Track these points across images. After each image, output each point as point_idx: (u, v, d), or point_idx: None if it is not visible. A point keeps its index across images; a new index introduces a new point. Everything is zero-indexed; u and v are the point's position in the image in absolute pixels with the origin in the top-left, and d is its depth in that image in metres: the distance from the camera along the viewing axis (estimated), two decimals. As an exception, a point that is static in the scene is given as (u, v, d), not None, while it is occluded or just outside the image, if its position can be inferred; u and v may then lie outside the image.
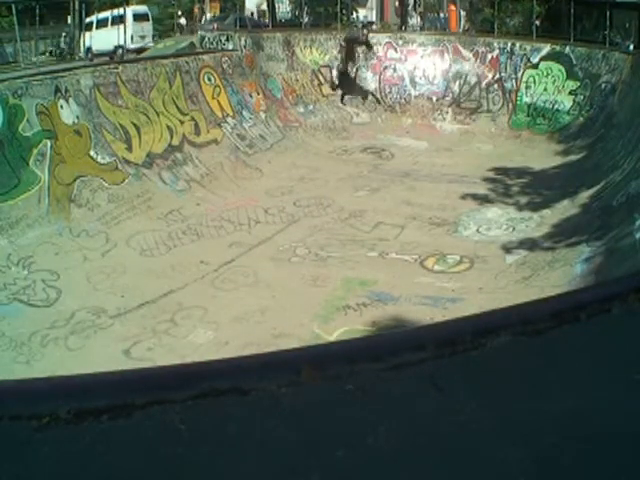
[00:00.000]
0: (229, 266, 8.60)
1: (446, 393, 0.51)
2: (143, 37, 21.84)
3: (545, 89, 15.75)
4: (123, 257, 8.83)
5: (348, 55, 17.00)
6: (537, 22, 19.23)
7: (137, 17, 22.14)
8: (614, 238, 7.94)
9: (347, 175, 12.83)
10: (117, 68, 11.87)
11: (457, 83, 16.87)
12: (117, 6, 24.64)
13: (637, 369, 0.54)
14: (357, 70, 16.28)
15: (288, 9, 29.83)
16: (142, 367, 0.62)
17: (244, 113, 14.59)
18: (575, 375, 0.54)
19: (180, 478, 0.47)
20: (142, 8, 22.91)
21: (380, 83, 17.46)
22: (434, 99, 16.84)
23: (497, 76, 16.48)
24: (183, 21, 25.79)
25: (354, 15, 27.13)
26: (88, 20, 22.81)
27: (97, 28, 22.40)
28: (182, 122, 12.54)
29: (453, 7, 23.06)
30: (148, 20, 22.24)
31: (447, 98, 16.79)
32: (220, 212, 10.55)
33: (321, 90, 17.33)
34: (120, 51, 20.03)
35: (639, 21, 18.90)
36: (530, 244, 9.06)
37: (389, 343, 0.59)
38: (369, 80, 17.57)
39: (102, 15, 22.97)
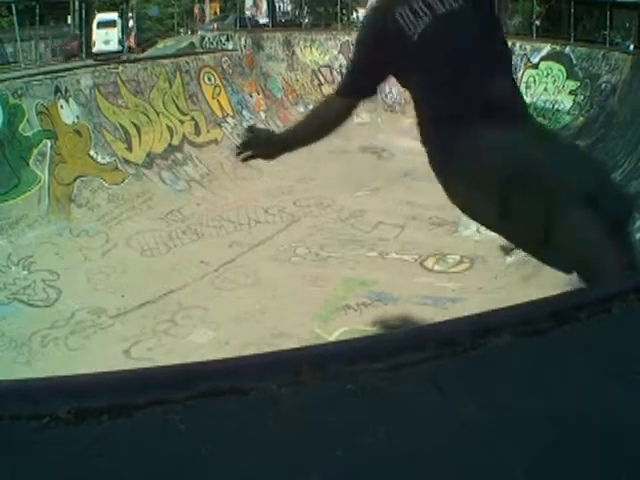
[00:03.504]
0: (229, 266, 8.59)
1: (446, 393, 0.51)
2: (107, 42, 22.74)
3: (545, 89, 15.75)
4: (123, 257, 8.83)
5: None
6: (537, 22, 19.24)
7: (101, 24, 23.26)
8: (614, 238, 7.94)
9: (347, 175, 12.83)
10: (117, 68, 11.87)
11: (457, 83, 16.87)
12: (117, 7, 24.86)
13: (637, 369, 0.54)
14: None
15: (288, 9, 29.84)
16: (142, 367, 0.63)
17: (244, 113, 14.60)
18: (575, 375, 0.54)
19: (180, 478, 0.47)
20: (110, 16, 23.59)
21: (380, 83, 17.45)
22: (434, 99, 16.82)
23: None
24: (132, 24, 25.77)
25: (354, 15, 27.14)
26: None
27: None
28: (182, 122, 12.54)
29: (453, 7, 23.05)
30: (114, 27, 23.05)
31: (447, 98, 16.77)
32: (220, 212, 10.55)
33: (321, 90, 17.32)
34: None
35: (639, 21, 18.92)
36: (530, 244, 9.06)
37: (389, 343, 0.59)
38: (369, 80, 17.57)
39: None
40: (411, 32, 2.40)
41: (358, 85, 2.61)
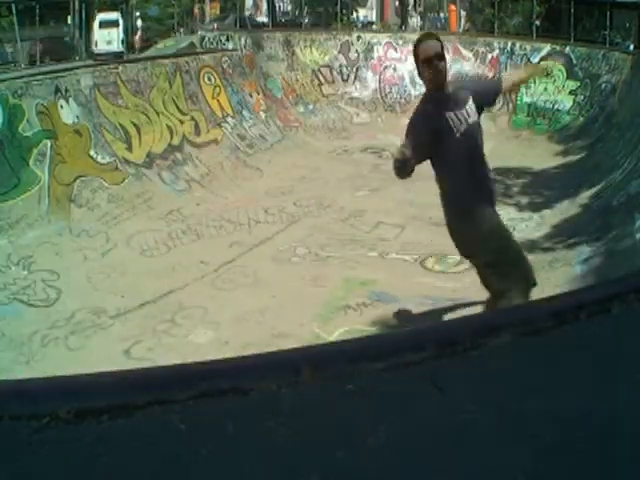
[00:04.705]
0: (229, 266, 8.59)
1: (446, 393, 0.52)
2: (109, 42, 23.12)
3: (545, 89, 15.76)
4: (123, 257, 8.83)
5: None
6: (537, 22, 19.25)
7: (103, 24, 23.62)
8: (614, 238, 7.94)
9: (347, 175, 12.83)
10: (117, 68, 11.87)
11: (457, 83, 16.86)
12: (116, 7, 24.92)
13: (637, 369, 0.54)
14: None
15: (288, 9, 29.85)
16: (142, 367, 0.63)
17: (244, 113, 14.60)
18: (575, 375, 0.54)
19: (180, 478, 0.47)
20: (112, 15, 24.03)
21: (380, 83, 17.47)
22: (434, 99, 16.82)
23: (497, 76, 16.48)
24: (139, 23, 25.85)
25: (354, 15, 27.15)
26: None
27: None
28: (182, 122, 12.54)
29: (453, 7, 23.07)
30: (117, 26, 23.39)
31: (447, 98, 16.77)
32: (220, 212, 10.55)
33: (321, 90, 17.33)
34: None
35: (639, 21, 18.93)
36: (530, 244, 9.06)
37: (389, 343, 0.59)
38: (369, 80, 17.58)
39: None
40: (457, 132, 4.07)
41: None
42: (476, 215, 4.24)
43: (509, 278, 4.21)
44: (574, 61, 15.64)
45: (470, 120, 4.10)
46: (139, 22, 25.90)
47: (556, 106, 15.44)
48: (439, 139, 4.00)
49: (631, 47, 17.33)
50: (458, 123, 4.05)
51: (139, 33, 25.13)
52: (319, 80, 17.42)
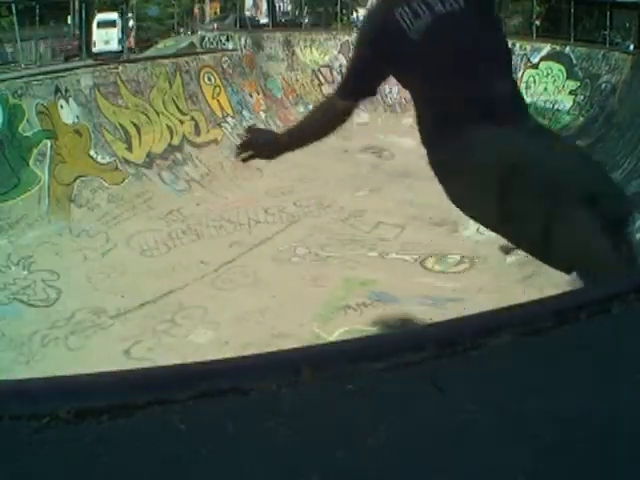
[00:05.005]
0: (229, 266, 8.59)
1: (446, 393, 0.52)
2: (107, 42, 23.08)
3: (545, 89, 15.75)
4: (123, 257, 8.83)
5: None
6: (537, 22, 19.25)
7: (101, 24, 23.66)
8: (614, 238, 7.93)
9: (347, 175, 12.83)
10: (117, 68, 11.87)
11: (457, 83, 16.87)
12: (117, 7, 24.92)
13: (637, 369, 0.54)
14: None
15: (288, 9, 29.83)
16: (142, 367, 0.63)
17: (244, 113, 14.60)
18: (575, 375, 0.54)
19: (180, 478, 0.47)
20: (110, 16, 23.99)
21: (380, 83, 17.47)
22: (434, 99, 16.82)
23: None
24: (132, 23, 25.85)
25: (354, 15, 27.15)
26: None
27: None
28: (182, 122, 12.54)
29: (453, 7, 23.07)
30: (114, 27, 23.35)
31: (447, 98, 16.78)
32: (220, 212, 10.55)
33: (321, 90, 17.33)
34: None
35: (639, 21, 18.93)
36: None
37: (389, 343, 0.59)
38: (369, 80, 17.59)
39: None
40: (411, 32, 2.42)
41: (358, 86, 2.61)
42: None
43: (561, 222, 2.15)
44: (574, 61, 15.63)
45: (442, 8, 2.39)
46: (131, 22, 25.87)
47: (556, 106, 15.44)
48: (388, 54, 2.47)
49: (631, 47, 17.33)
50: (412, 17, 2.40)
51: (132, 33, 25.13)
52: (319, 80, 17.42)
